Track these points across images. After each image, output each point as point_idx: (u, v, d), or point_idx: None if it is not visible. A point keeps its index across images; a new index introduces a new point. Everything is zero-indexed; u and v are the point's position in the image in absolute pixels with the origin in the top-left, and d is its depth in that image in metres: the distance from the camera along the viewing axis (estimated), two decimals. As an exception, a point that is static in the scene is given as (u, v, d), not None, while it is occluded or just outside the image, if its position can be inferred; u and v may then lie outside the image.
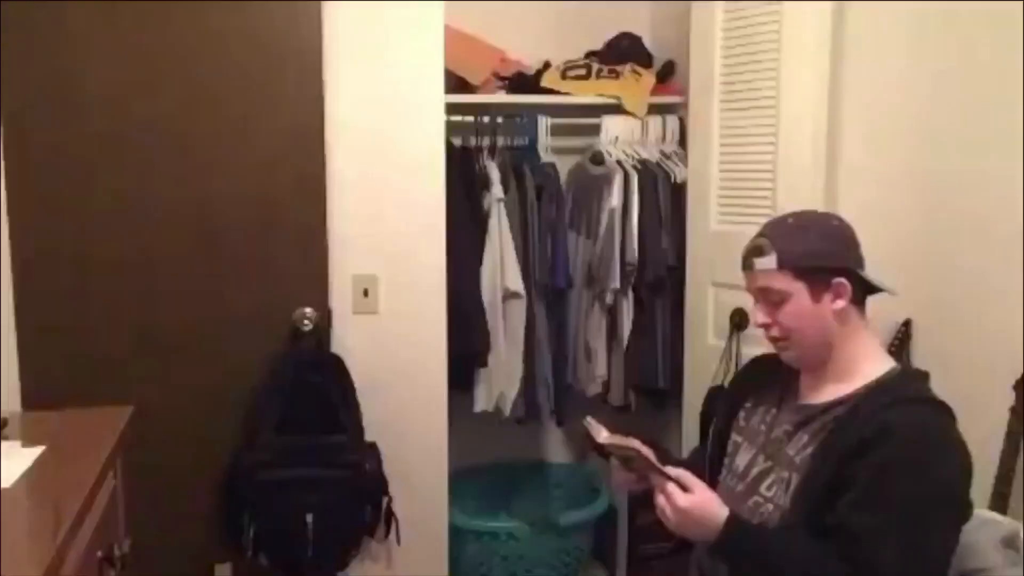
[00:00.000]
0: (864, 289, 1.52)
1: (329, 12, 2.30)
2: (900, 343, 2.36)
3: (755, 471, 1.55)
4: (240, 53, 2.27)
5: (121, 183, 2.24)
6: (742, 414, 1.66)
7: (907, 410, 1.40)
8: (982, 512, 1.80)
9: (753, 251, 1.51)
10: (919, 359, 2.36)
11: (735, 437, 1.65)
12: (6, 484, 1.33)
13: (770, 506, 1.49)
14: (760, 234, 1.54)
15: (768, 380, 1.64)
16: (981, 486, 2.02)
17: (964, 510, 1.42)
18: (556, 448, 3.31)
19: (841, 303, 1.47)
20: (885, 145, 2.36)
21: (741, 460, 1.60)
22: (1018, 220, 2.05)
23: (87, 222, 2.23)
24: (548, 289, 2.84)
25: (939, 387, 2.34)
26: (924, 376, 1.54)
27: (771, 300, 1.49)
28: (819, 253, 1.48)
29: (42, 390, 2.19)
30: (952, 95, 2.24)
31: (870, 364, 1.51)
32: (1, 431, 1.52)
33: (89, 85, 2.19)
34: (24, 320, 2.19)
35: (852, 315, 1.50)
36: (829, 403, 1.49)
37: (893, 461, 1.34)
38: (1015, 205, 2.06)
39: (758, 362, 1.74)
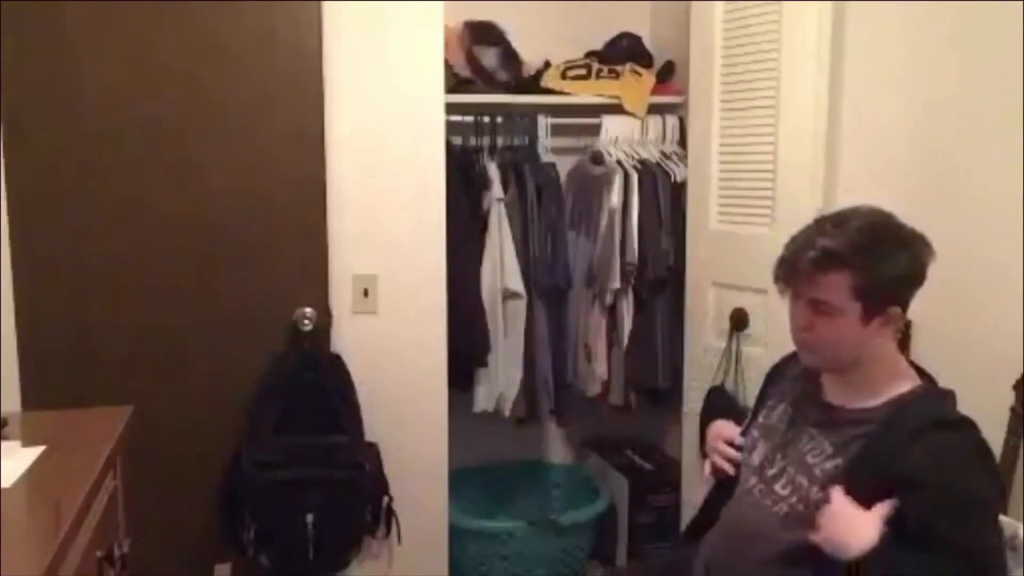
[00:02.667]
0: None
1: (329, 12, 2.30)
2: (900, 343, 2.36)
3: (772, 470, 1.54)
4: (240, 53, 2.27)
5: (121, 183, 2.24)
6: (764, 410, 1.65)
7: (946, 437, 1.36)
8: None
9: (823, 259, 1.40)
10: (919, 359, 2.35)
11: (754, 432, 1.64)
12: (6, 484, 1.33)
13: (784, 506, 1.48)
14: (825, 234, 1.43)
15: (792, 376, 1.63)
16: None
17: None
18: (556, 448, 3.31)
19: (887, 331, 1.44)
20: (885, 145, 2.36)
21: (757, 455, 1.59)
22: (1018, 220, 2.05)
23: (87, 222, 2.23)
24: (548, 289, 2.84)
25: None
26: (951, 396, 1.50)
27: (819, 310, 1.43)
28: (895, 282, 1.41)
29: (42, 390, 2.19)
30: (952, 95, 2.24)
31: (896, 379, 1.47)
32: (1, 431, 1.52)
33: (89, 85, 2.19)
34: (24, 320, 2.19)
35: (890, 341, 1.48)
36: (855, 412, 1.46)
37: (943, 501, 1.31)
38: (1015, 205, 2.05)
39: (787, 359, 1.71)
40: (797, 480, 1.48)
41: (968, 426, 1.40)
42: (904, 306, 1.44)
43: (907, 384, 1.48)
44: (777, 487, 1.51)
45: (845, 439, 1.44)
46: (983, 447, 1.39)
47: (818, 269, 1.40)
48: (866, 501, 1.34)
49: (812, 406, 1.54)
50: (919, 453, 1.33)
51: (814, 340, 1.46)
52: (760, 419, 1.65)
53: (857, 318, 1.40)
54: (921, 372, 1.55)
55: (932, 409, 1.43)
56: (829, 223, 1.46)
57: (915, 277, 1.44)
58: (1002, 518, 1.68)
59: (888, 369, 1.48)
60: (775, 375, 1.74)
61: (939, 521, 1.31)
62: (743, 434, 1.68)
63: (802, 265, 1.42)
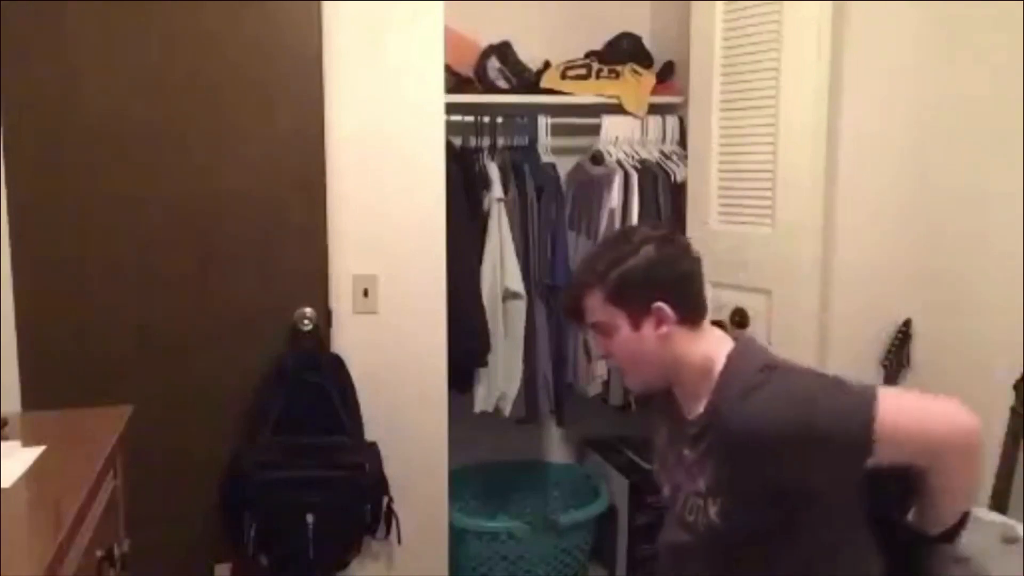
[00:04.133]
0: (692, 307, 1.47)
1: (329, 12, 2.30)
2: (900, 343, 2.36)
3: (679, 502, 1.53)
4: (240, 54, 2.27)
5: (121, 183, 2.24)
6: (658, 445, 1.65)
7: (758, 404, 1.36)
8: (982, 512, 1.81)
9: (575, 289, 1.52)
10: (919, 359, 2.37)
11: (657, 467, 1.65)
12: (6, 484, 1.33)
13: (688, 535, 1.48)
14: (581, 266, 1.56)
15: (661, 407, 1.62)
16: (981, 486, 2.02)
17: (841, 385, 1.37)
18: (556, 448, 3.31)
19: (665, 328, 1.44)
20: (885, 145, 2.37)
21: (666, 490, 1.59)
22: (1018, 220, 2.05)
23: (87, 222, 2.23)
24: (548, 289, 2.84)
25: (939, 387, 2.35)
26: (752, 348, 1.50)
27: (600, 332, 1.50)
28: (637, 278, 1.44)
29: (42, 390, 2.19)
30: (952, 95, 2.24)
31: (716, 363, 1.46)
32: (1, 431, 1.52)
33: (89, 85, 2.20)
34: (24, 320, 2.19)
35: (682, 336, 1.46)
36: (699, 416, 1.47)
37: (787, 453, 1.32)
38: (1015, 205, 2.06)
39: (644, 395, 1.74)
40: (695, 503, 1.47)
41: (772, 374, 1.40)
42: (670, 300, 1.43)
43: (722, 356, 1.47)
44: (687, 515, 1.50)
45: (704, 445, 1.45)
46: (799, 385, 1.38)
47: (577, 300, 1.50)
48: (746, 492, 1.37)
49: (676, 426, 1.55)
50: (740, 425, 1.35)
51: (618, 362, 1.53)
52: (659, 453, 1.65)
53: (627, 326, 1.45)
54: (736, 338, 1.53)
55: (743, 374, 1.42)
56: (582, 260, 1.59)
57: (663, 268, 1.45)
58: (1002, 518, 1.68)
59: (708, 356, 1.47)
60: (653, 416, 1.72)
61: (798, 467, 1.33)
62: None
63: (568, 304, 1.56)
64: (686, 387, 1.50)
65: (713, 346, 1.48)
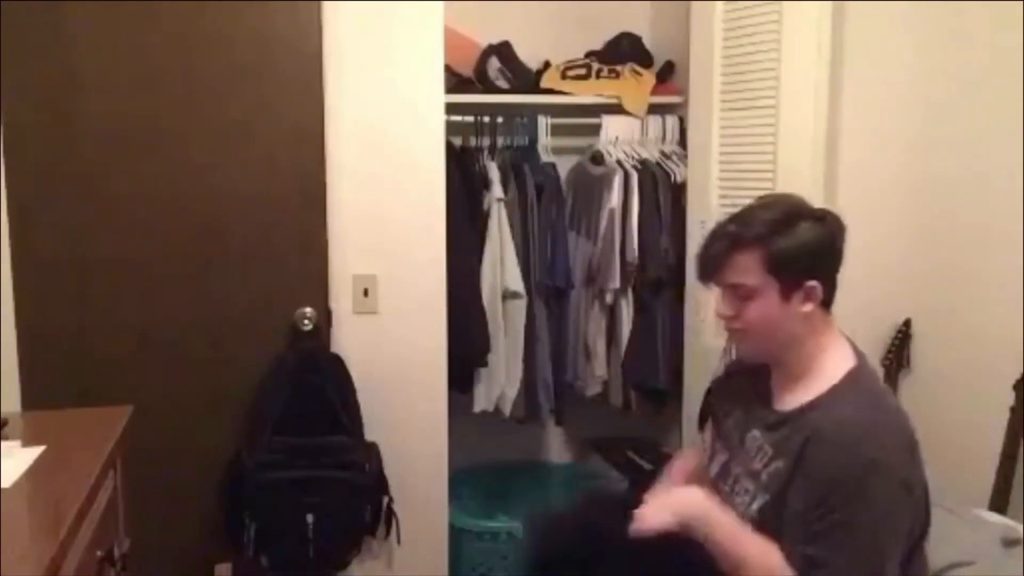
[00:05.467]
0: (832, 290, 1.47)
1: (329, 12, 2.30)
2: (900, 343, 2.36)
3: (729, 480, 1.53)
4: (240, 53, 2.27)
5: (121, 183, 2.24)
6: (721, 420, 1.63)
7: (835, 416, 1.37)
8: (982, 512, 1.81)
9: (731, 243, 1.43)
10: (919, 359, 2.36)
11: (714, 442, 1.63)
12: (6, 484, 1.33)
13: (744, 517, 1.47)
14: (732, 222, 1.45)
15: (743, 383, 1.60)
16: (981, 486, 2.02)
17: (911, 493, 1.36)
18: (556, 448, 3.31)
19: (810, 306, 1.43)
20: (885, 145, 2.36)
21: (715, 465, 1.59)
22: (1018, 220, 2.05)
23: (87, 222, 2.23)
24: (548, 289, 2.84)
25: (939, 387, 2.36)
26: (870, 378, 1.49)
27: (739, 294, 1.44)
28: (806, 253, 1.42)
29: (42, 390, 2.19)
30: (952, 95, 2.24)
31: (832, 365, 1.45)
32: (1, 431, 1.52)
33: (89, 85, 2.20)
34: (24, 320, 2.19)
35: (817, 318, 1.45)
36: (791, 411, 1.45)
37: (829, 482, 1.32)
38: (1015, 205, 2.05)
39: (735, 366, 1.72)
40: (746, 487, 1.47)
41: (870, 397, 1.41)
42: (823, 280, 1.43)
43: (841, 367, 1.45)
44: (736, 497, 1.50)
45: (782, 439, 1.43)
46: (881, 418, 1.38)
47: (728, 254, 1.42)
48: (804, 504, 1.35)
49: (759, 408, 1.53)
50: (829, 457, 1.34)
51: (743, 328, 1.46)
52: (719, 427, 1.63)
53: (776, 295, 1.41)
54: (855, 347, 1.53)
55: (849, 411, 1.39)
56: (736, 215, 1.49)
57: (827, 248, 1.45)
58: (1002, 518, 1.68)
59: (827, 351, 1.46)
60: (721, 388, 1.73)
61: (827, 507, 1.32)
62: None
63: (713, 253, 1.45)
64: (788, 371, 1.47)
65: (831, 342, 1.47)
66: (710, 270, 1.48)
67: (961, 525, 1.69)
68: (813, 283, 1.42)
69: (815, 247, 1.43)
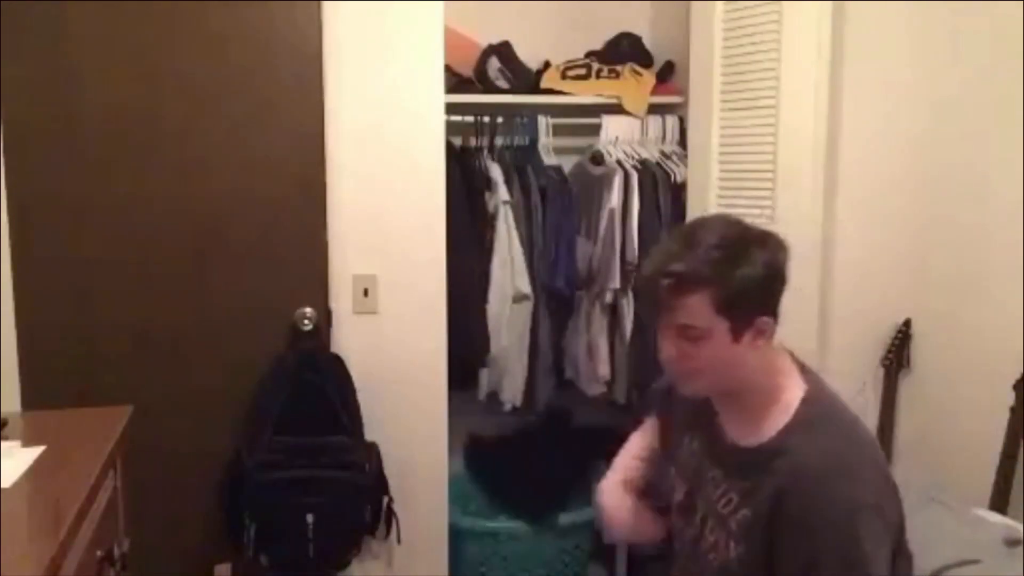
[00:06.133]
0: (777, 317, 1.37)
1: (329, 12, 2.30)
2: (900, 343, 2.36)
3: (695, 519, 1.45)
4: (240, 53, 2.27)
5: (121, 183, 2.24)
6: (673, 439, 1.53)
7: (838, 493, 1.27)
8: (982, 512, 1.81)
9: (678, 283, 1.30)
10: (919, 359, 2.37)
11: (670, 466, 1.54)
12: (6, 484, 1.33)
13: (712, 555, 1.40)
14: (674, 257, 1.32)
15: (688, 405, 1.49)
16: (981, 486, 2.02)
17: (892, 528, 1.30)
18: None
19: (760, 343, 1.34)
20: (885, 145, 2.36)
21: (678, 495, 1.50)
22: (1018, 220, 2.05)
23: (87, 222, 2.23)
24: (553, 291, 2.83)
25: (939, 387, 2.35)
26: (828, 403, 1.40)
27: (687, 335, 1.32)
28: (756, 290, 1.31)
29: (42, 390, 2.19)
30: (952, 95, 2.24)
31: (784, 395, 1.37)
32: (1, 431, 1.52)
33: (89, 85, 2.19)
34: (24, 320, 2.19)
35: (768, 349, 1.37)
36: (751, 451, 1.36)
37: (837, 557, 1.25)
38: (1015, 205, 2.06)
39: (671, 388, 1.54)
40: (716, 532, 1.40)
41: (862, 466, 1.32)
42: (772, 313, 1.34)
43: (795, 397, 1.37)
44: (706, 532, 1.42)
45: (750, 488, 1.35)
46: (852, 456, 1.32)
47: (676, 295, 1.31)
48: (797, 566, 1.28)
49: (714, 443, 1.44)
50: (826, 502, 1.27)
51: (689, 369, 1.36)
52: (671, 450, 1.53)
53: (727, 336, 1.31)
54: (802, 367, 1.44)
55: (819, 454, 1.31)
56: (676, 243, 1.36)
57: (774, 279, 1.34)
58: (1002, 518, 1.68)
59: (773, 384, 1.38)
60: (665, 403, 1.60)
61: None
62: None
63: (659, 294, 1.33)
64: (744, 407, 1.39)
65: (782, 369, 1.39)
66: (655, 312, 1.36)
67: (962, 524, 1.69)
68: (765, 319, 1.33)
69: (764, 280, 1.32)
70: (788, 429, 1.34)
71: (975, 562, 1.58)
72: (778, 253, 1.35)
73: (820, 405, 1.37)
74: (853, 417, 1.39)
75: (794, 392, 1.38)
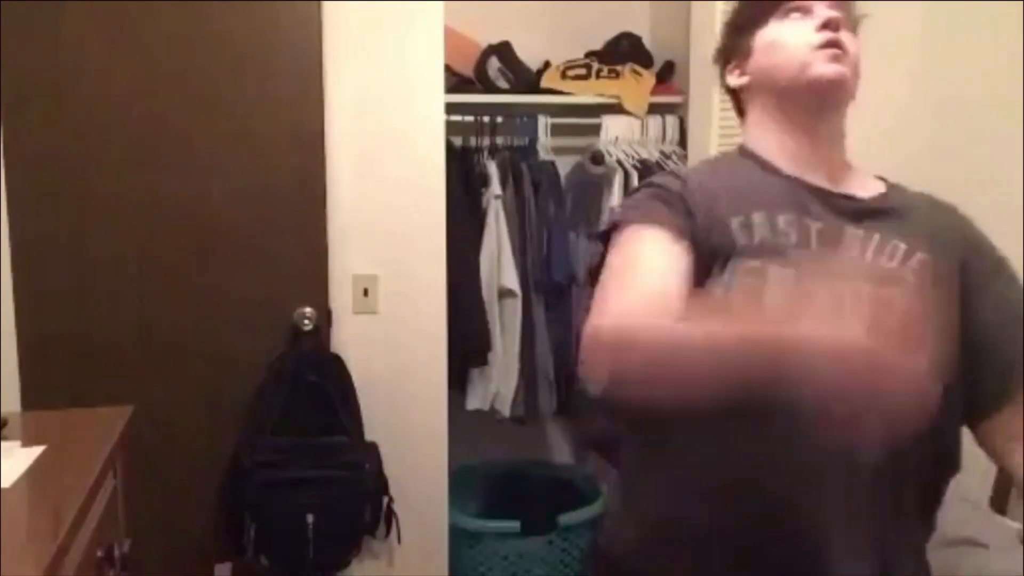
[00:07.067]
0: None
1: (329, 12, 2.30)
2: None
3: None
4: (240, 53, 2.27)
5: (120, 183, 2.24)
6: (737, 230, 1.16)
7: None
8: (982, 512, 1.81)
9: None
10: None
11: (745, 262, 1.12)
12: (6, 484, 1.33)
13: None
14: None
15: (729, 190, 1.21)
16: (981, 486, 2.02)
17: None
18: (556, 448, 3.31)
19: None
20: (885, 145, 2.36)
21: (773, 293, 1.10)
22: (1019, 220, 2.05)
23: (86, 221, 2.23)
24: (547, 286, 2.83)
25: (939, 387, 2.34)
26: None
27: (848, 23, 1.27)
28: None
29: (42, 390, 2.19)
30: (952, 96, 2.24)
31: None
32: (1, 431, 1.52)
33: (89, 85, 2.20)
34: (24, 320, 2.19)
35: None
36: (876, 199, 1.29)
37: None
38: (1016, 205, 2.06)
39: (714, 166, 1.37)
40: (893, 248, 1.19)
41: None
42: None
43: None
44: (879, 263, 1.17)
45: (910, 230, 1.22)
46: None
47: None
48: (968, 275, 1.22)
49: (824, 202, 1.21)
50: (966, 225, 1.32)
51: (843, 53, 1.23)
52: (741, 241, 1.15)
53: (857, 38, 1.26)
54: None
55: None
56: None
57: None
58: (1002, 518, 1.68)
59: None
60: (679, 201, 1.21)
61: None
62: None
63: None
64: (836, 141, 1.34)
65: None
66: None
67: (978, 515, 1.69)
68: None
69: None
70: (890, 186, 1.35)
71: (988, 547, 1.59)
72: None
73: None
74: None
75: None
